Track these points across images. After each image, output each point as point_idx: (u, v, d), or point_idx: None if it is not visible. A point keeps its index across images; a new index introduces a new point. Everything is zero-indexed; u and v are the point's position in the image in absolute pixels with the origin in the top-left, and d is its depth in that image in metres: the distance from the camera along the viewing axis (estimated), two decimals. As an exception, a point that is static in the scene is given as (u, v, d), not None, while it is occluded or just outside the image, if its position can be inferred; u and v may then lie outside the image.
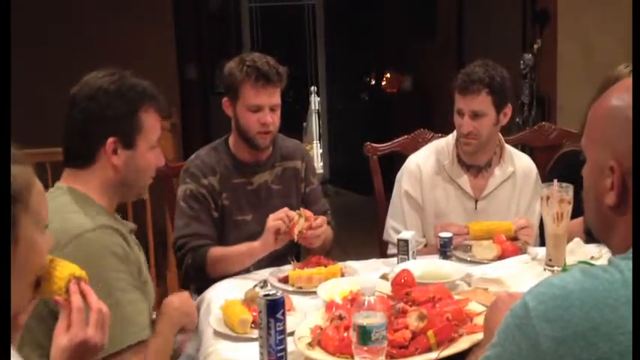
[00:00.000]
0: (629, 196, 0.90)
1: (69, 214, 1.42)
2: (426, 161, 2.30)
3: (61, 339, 1.06)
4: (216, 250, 2.01)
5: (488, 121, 2.16)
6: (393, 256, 2.09)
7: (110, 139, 1.47)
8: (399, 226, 2.27)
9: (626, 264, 0.87)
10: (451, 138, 2.30)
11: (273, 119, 2.07)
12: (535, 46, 3.79)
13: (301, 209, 1.95)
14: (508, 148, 2.32)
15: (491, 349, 0.92)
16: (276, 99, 2.07)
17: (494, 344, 0.91)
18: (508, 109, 2.21)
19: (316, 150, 7.26)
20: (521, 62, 3.83)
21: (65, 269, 1.08)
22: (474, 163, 2.27)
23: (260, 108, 2.04)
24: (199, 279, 2.03)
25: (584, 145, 0.99)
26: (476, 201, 2.27)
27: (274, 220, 1.90)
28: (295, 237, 1.90)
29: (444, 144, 2.31)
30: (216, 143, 2.18)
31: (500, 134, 2.28)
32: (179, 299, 1.61)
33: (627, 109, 0.91)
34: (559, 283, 0.88)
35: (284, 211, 1.92)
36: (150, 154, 1.53)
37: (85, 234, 1.38)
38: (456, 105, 2.19)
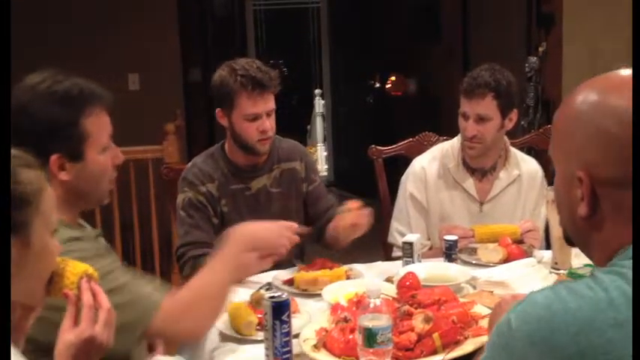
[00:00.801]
0: (599, 205, 0.87)
1: None
2: (431, 164, 2.30)
3: (68, 335, 1.06)
4: None
5: (492, 125, 2.16)
6: (397, 258, 2.09)
7: (53, 157, 1.33)
8: (403, 229, 2.27)
9: (610, 280, 0.83)
10: (456, 141, 2.30)
11: (271, 124, 2.06)
12: (540, 49, 3.78)
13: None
14: (513, 151, 2.31)
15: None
16: (271, 104, 2.06)
17: (484, 359, 0.89)
18: (514, 115, 2.21)
19: (321, 153, 7.26)
20: (526, 65, 3.82)
21: (78, 267, 1.09)
22: (478, 166, 2.26)
23: (258, 116, 2.02)
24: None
25: (551, 154, 0.95)
26: (481, 204, 2.27)
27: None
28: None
29: (448, 147, 2.31)
30: (212, 150, 2.17)
31: (505, 137, 2.28)
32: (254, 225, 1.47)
33: (593, 112, 0.87)
34: (543, 302, 0.84)
35: (280, 224, 1.89)
36: (102, 157, 1.40)
37: None
38: (461, 108, 2.19)
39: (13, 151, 0.98)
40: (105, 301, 1.10)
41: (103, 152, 1.40)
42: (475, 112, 2.15)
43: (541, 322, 0.82)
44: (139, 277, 1.44)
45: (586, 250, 0.95)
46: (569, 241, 0.98)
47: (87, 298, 1.07)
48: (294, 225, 1.83)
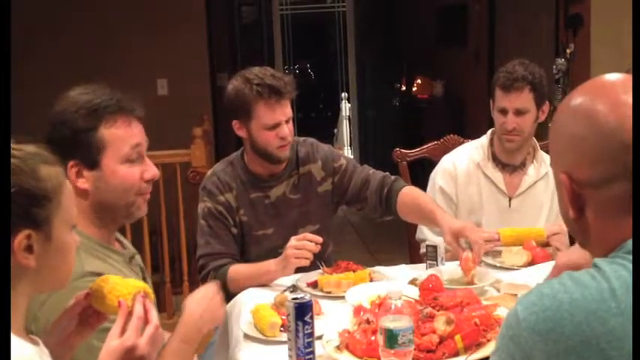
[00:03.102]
0: (585, 206, 0.92)
1: None
2: (461, 159, 2.31)
3: (113, 341, 1.07)
4: (235, 271, 1.98)
5: (530, 117, 2.19)
6: (423, 256, 2.09)
7: (70, 163, 1.35)
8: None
9: (612, 269, 0.86)
10: (485, 138, 2.31)
11: (290, 130, 2.03)
12: (568, 51, 3.75)
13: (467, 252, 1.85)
14: (541, 151, 2.32)
15: (492, 357, 0.92)
16: (289, 110, 2.03)
17: (494, 352, 0.92)
18: (546, 107, 2.24)
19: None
20: (554, 67, 3.79)
21: (138, 283, 1.12)
22: (509, 161, 2.27)
23: (277, 124, 2.00)
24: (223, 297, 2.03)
25: (551, 162, 1.01)
26: (510, 199, 2.27)
27: (294, 248, 1.86)
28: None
29: (478, 144, 2.33)
30: (232, 157, 2.15)
31: (533, 137, 2.29)
32: (204, 306, 1.37)
33: (567, 120, 0.93)
34: (549, 292, 0.87)
35: (303, 237, 1.89)
36: (122, 168, 1.38)
37: (72, 282, 1.20)
38: (498, 103, 2.20)
39: (33, 148, 1.01)
40: (155, 317, 1.11)
41: (125, 163, 1.38)
42: (514, 106, 2.17)
43: (547, 312, 0.85)
44: None
45: (587, 248, 0.99)
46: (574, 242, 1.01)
47: (138, 309, 1.09)
48: (313, 237, 1.88)
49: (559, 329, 0.84)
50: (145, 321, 1.10)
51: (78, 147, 1.35)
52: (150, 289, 1.13)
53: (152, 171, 1.43)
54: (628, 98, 0.89)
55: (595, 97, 0.91)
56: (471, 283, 1.81)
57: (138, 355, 1.08)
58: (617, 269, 0.86)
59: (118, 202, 1.40)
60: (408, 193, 2.12)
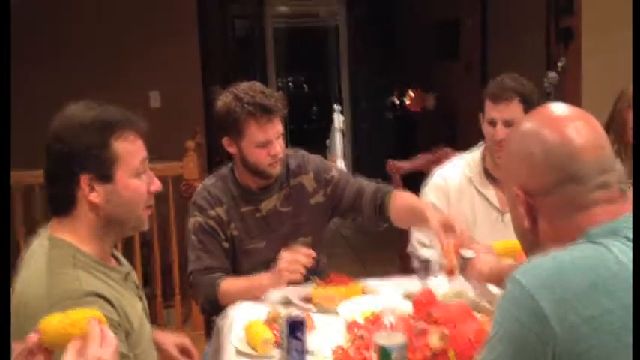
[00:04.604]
0: (537, 215, 1.04)
1: (54, 276, 1.31)
2: (452, 174, 2.30)
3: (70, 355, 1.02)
4: (227, 285, 1.97)
5: None
6: (416, 270, 2.08)
7: (83, 177, 1.35)
8: (424, 239, 2.27)
9: (611, 241, 0.94)
10: (477, 152, 2.31)
11: (281, 147, 2.02)
12: (559, 64, 3.76)
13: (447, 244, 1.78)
14: None
15: (490, 336, 0.94)
16: (280, 127, 2.01)
17: (492, 332, 0.94)
18: None
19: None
20: (545, 80, 3.80)
21: (84, 314, 1.06)
22: (501, 176, 2.26)
23: (268, 142, 1.99)
24: (214, 311, 2.00)
25: (503, 185, 1.12)
26: (502, 214, 2.26)
27: (286, 262, 1.85)
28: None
29: (469, 158, 2.32)
30: (222, 172, 2.14)
31: None
32: None
33: (518, 142, 1.08)
34: (546, 258, 0.95)
35: (296, 251, 1.87)
36: (133, 182, 1.40)
37: (70, 302, 1.24)
38: (488, 114, 2.20)
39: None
40: (112, 338, 1.05)
41: (135, 177, 1.40)
42: (503, 117, 2.16)
43: (550, 270, 0.92)
44: None
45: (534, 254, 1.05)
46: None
47: (94, 328, 1.03)
48: (306, 251, 1.87)
49: (566, 278, 0.90)
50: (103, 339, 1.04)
51: (90, 161, 1.35)
52: (102, 315, 1.07)
53: (157, 184, 1.46)
54: (570, 121, 1.04)
55: (541, 121, 1.07)
56: (452, 273, 1.76)
57: None
58: (616, 242, 0.94)
59: (127, 215, 1.41)
60: (399, 197, 2.13)
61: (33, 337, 1.06)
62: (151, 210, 1.46)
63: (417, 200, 2.13)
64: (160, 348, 1.63)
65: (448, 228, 1.85)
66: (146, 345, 1.44)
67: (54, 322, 1.06)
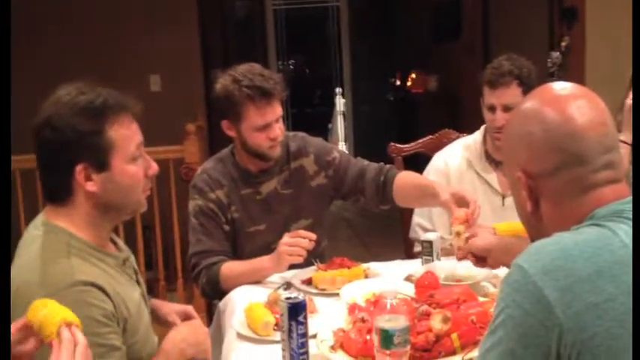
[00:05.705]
0: (539, 198, 1.02)
1: (47, 265, 1.29)
2: (453, 158, 2.29)
3: None
4: (229, 268, 1.96)
5: None
6: (418, 255, 2.07)
7: (79, 167, 1.31)
8: (425, 223, 2.26)
9: (617, 223, 0.92)
10: (478, 135, 2.29)
11: (281, 129, 2.00)
12: (563, 44, 3.72)
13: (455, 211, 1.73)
14: None
15: (492, 323, 0.93)
16: (279, 110, 1.99)
17: (494, 319, 0.93)
18: None
19: (342, 151, 7.25)
20: (549, 60, 3.77)
21: (57, 314, 1.06)
22: (502, 160, 2.24)
23: (268, 125, 1.97)
24: (216, 295, 2.00)
25: (504, 168, 1.08)
26: (503, 197, 2.25)
27: (287, 245, 1.84)
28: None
29: (470, 141, 2.30)
30: (222, 154, 2.13)
31: None
32: (188, 329, 1.47)
33: (517, 122, 1.04)
34: (550, 241, 0.93)
35: (296, 234, 1.87)
36: (130, 167, 1.37)
37: (62, 291, 1.24)
38: (486, 100, 2.17)
39: None
40: (81, 337, 1.04)
41: (132, 162, 1.37)
42: (502, 102, 2.13)
43: (553, 255, 0.90)
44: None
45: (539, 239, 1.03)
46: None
47: (66, 339, 1.02)
48: (307, 234, 1.86)
49: (569, 265, 0.88)
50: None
51: (85, 150, 1.32)
52: (74, 318, 1.06)
53: (154, 167, 1.43)
54: (571, 99, 1.00)
55: (541, 100, 1.03)
56: (461, 248, 1.63)
57: None
58: (621, 225, 0.92)
59: (125, 200, 1.39)
60: (404, 176, 2.11)
61: (19, 323, 1.06)
62: (147, 193, 1.44)
63: (423, 177, 2.12)
64: (163, 320, 1.63)
65: (459, 200, 1.84)
66: (144, 331, 1.43)
67: (36, 321, 1.05)
